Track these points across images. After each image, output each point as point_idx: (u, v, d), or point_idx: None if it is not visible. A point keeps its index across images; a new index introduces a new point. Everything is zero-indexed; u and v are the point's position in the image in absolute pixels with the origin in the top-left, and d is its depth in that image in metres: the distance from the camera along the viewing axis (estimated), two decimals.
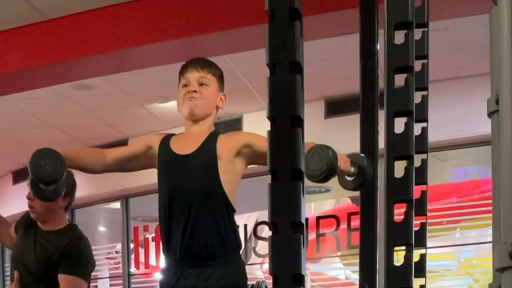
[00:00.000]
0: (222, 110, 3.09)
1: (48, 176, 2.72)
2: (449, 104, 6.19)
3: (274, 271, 1.11)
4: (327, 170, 2.33)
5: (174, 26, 4.75)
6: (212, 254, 2.87)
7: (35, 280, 3.67)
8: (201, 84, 2.95)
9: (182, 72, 3.01)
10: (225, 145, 2.92)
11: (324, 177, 2.35)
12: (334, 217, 7.38)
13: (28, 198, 3.66)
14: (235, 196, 2.94)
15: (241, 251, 3.04)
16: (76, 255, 3.63)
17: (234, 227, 2.95)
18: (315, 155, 2.35)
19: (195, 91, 2.93)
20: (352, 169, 2.35)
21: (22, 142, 7.61)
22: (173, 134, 3.05)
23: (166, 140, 3.01)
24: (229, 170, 2.91)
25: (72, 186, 3.71)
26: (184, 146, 2.96)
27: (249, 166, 2.99)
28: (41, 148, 2.78)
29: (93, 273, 3.92)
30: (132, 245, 8.29)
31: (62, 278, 3.62)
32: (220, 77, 3.02)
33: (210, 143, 2.94)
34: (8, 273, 8.97)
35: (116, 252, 8.74)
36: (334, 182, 2.41)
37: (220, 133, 3.01)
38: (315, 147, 2.39)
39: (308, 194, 7.50)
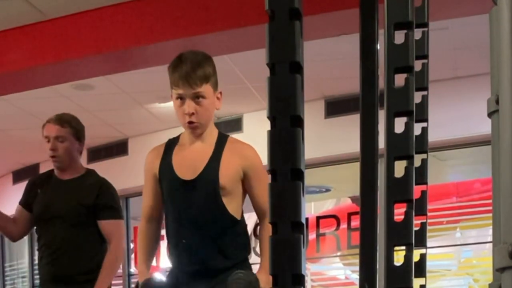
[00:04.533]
0: (222, 110, 3.08)
1: None
2: (449, 104, 6.19)
3: (274, 271, 1.11)
4: None
5: (174, 26, 4.74)
6: (223, 268, 2.89)
7: (70, 227, 3.74)
8: (197, 98, 2.86)
9: (171, 80, 2.90)
10: (228, 171, 2.88)
11: None
12: (334, 217, 7.38)
13: (52, 149, 3.70)
14: (240, 208, 2.95)
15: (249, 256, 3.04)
16: (112, 199, 3.78)
17: (242, 236, 2.96)
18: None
19: (193, 113, 2.86)
20: None
21: (22, 142, 7.61)
22: (174, 142, 3.00)
23: (165, 157, 2.96)
24: (233, 192, 2.90)
25: (84, 131, 3.83)
26: (187, 167, 2.91)
27: None
28: None
29: None
30: (132, 245, 8.28)
31: (105, 223, 3.79)
32: (213, 74, 2.89)
33: (212, 166, 2.89)
34: (8, 273, 8.97)
35: None
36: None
37: (224, 140, 2.94)
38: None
39: (308, 194, 7.50)
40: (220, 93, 2.95)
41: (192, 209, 2.88)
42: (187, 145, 2.96)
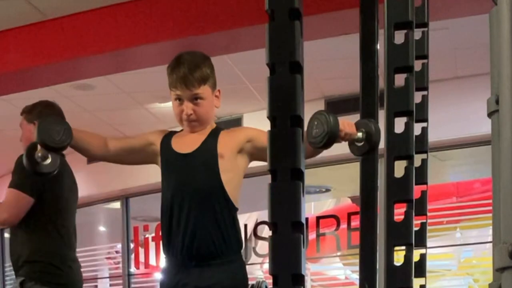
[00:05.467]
0: (222, 110, 3.09)
1: (54, 142, 2.69)
2: (449, 104, 6.19)
3: (274, 271, 1.11)
4: (329, 132, 2.24)
5: (174, 26, 4.74)
6: (214, 253, 2.87)
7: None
8: (195, 99, 2.89)
9: (170, 81, 2.93)
10: (227, 143, 2.91)
11: (327, 141, 2.26)
12: (334, 217, 7.37)
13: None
14: (237, 195, 2.93)
15: (242, 251, 3.04)
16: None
17: (236, 226, 2.94)
18: (315, 121, 2.28)
19: (191, 114, 2.89)
20: (360, 134, 2.31)
21: None
22: (175, 132, 3.04)
23: (167, 138, 2.99)
24: (231, 169, 2.90)
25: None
26: (185, 145, 2.94)
27: (249, 166, 2.98)
28: (51, 116, 2.78)
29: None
30: (132, 245, 8.29)
31: None
32: (211, 75, 2.92)
33: (211, 141, 2.92)
34: (8, 273, 8.97)
35: (116, 252, 8.73)
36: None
37: (221, 129, 2.99)
38: (314, 114, 2.32)
39: (308, 194, 7.50)
40: (219, 91, 2.98)
41: (189, 183, 2.87)
42: (185, 134, 2.99)
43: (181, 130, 3.04)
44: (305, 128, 2.24)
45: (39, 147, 2.74)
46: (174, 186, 2.91)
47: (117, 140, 3.06)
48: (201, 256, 2.87)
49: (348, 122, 2.38)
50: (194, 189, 2.87)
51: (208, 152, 2.90)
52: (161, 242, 3.03)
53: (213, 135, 2.94)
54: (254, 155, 2.92)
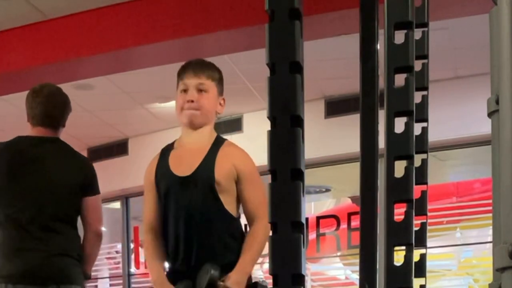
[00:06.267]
0: (221, 112, 3.08)
1: None
2: (449, 104, 6.19)
3: (274, 271, 1.11)
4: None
5: (174, 26, 4.74)
6: (215, 260, 2.90)
7: None
8: (200, 91, 2.92)
9: (180, 75, 2.97)
10: (223, 169, 2.91)
11: None
12: (334, 217, 7.38)
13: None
14: (237, 209, 2.97)
15: None
16: None
17: (237, 233, 2.96)
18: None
19: (193, 101, 2.92)
20: None
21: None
22: (171, 146, 3.02)
23: (163, 159, 2.99)
24: (228, 190, 2.92)
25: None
26: (183, 165, 2.94)
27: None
28: None
29: (93, 273, 3.93)
30: (132, 245, 8.29)
31: None
32: (219, 81, 2.99)
33: (208, 162, 2.92)
34: None
35: (116, 252, 8.73)
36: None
37: (221, 142, 2.98)
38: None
39: (308, 194, 7.50)
40: (223, 99, 3.02)
41: (189, 205, 2.89)
42: (183, 145, 2.99)
43: (175, 141, 3.03)
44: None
45: None
46: (175, 208, 2.93)
47: (153, 218, 3.04)
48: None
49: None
50: (195, 212, 2.89)
51: (205, 176, 2.90)
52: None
53: (211, 154, 2.93)
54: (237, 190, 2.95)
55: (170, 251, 2.97)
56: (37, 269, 3.61)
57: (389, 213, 1.52)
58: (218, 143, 2.97)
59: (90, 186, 3.73)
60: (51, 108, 3.74)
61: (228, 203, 2.91)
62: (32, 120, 3.78)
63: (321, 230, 7.39)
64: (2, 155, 3.74)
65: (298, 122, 1.12)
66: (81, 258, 3.71)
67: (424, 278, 2.02)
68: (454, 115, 6.27)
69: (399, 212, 1.56)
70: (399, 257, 1.55)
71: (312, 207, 7.75)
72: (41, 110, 3.73)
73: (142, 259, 8.27)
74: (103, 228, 3.86)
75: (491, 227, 1.37)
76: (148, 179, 3.03)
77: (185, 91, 2.93)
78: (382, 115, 1.67)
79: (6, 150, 3.76)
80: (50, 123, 3.74)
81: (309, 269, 7.52)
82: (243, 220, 3.06)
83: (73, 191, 3.67)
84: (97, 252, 3.81)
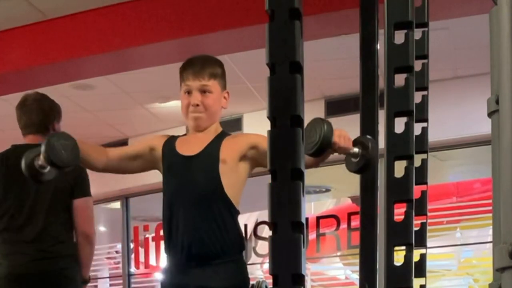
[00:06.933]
0: (222, 111, 3.09)
1: (62, 161, 2.60)
2: (449, 104, 6.19)
3: (274, 271, 1.11)
4: (320, 143, 2.25)
5: (174, 26, 4.74)
6: (214, 254, 2.87)
7: None
8: (204, 92, 2.94)
9: (182, 76, 2.98)
10: (230, 148, 2.92)
11: (316, 150, 2.27)
12: (334, 217, 7.37)
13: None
14: (239, 198, 2.94)
15: (243, 252, 3.04)
16: None
17: (237, 228, 2.95)
18: (311, 128, 2.28)
19: (198, 105, 2.92)
20: (356, 150, 2.29)
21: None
22: (177, 136, 3.04)
23: (170, 141, 3.00)
24: (233, 173, 2.90)
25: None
26: (189, 147, 2.95)
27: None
28: (59, 132, 2.72)
29: (93, 273, 3.93)
30: (132, 245, 8.29)
31: None
32: (222, 76, 2.98)
33: (214, 146, 2.93)
34: None
35: (116, 252, 8.73)
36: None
37: (226, 134, 3.00)
38: (312, 120, 2.32)
39: (308, 194, 7.50)
40: (227, 93, 3.02)
41: (189, 186, 2.89)
42: (190, 136, 3.01)
43: (184, 135, 3.05)
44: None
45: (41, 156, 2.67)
46: (175, 188, 2.92)
47: (117, 150, 3.05)
48: (201, 257, 2.87)
49: (345, 136, 2.37)
50: (194, 191, 2.88)
51: (210, 156, 2.91)
52: (163, 242, 3.04)
53: (218, 139, 2.95)
54: (258, 161, 2.92)
55: (166, 238, 2.95)
56: (29, 272, 3.65)
57: (389, 213, 1.52)
58: (223, 134, 2.99)
59: (79, 188, 3.79)
60: (35, 115, 3.86)
61: (230, 190, 2.89)
62: (22, 130, 3.97)
63: (321, 230, 7.39)
64: None
65: (298, 122, 1.12)
66: (77, 261, 3.74)
67: (424, 278, 2.02)
68: (454, 115, 6.27)
69: (399, 212, 1.56)
70: (399, 257, 1.55)
71: (312, 207, 7.75)
72: (26, 120, 3.85)
73: (142, 259, 8.27)
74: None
75: (491, 227, 1.37)
76: (148, 142, 3.02)
77: (188, 92, 2.94)
78: (382, 115, 1.67)
79: (1, 163, 3.86)
80: (38, 129, 3.84)
81: (309, 269, 7.52)
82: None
83: (65, 194, 3.75)
84: (88, 254, 3.82)
